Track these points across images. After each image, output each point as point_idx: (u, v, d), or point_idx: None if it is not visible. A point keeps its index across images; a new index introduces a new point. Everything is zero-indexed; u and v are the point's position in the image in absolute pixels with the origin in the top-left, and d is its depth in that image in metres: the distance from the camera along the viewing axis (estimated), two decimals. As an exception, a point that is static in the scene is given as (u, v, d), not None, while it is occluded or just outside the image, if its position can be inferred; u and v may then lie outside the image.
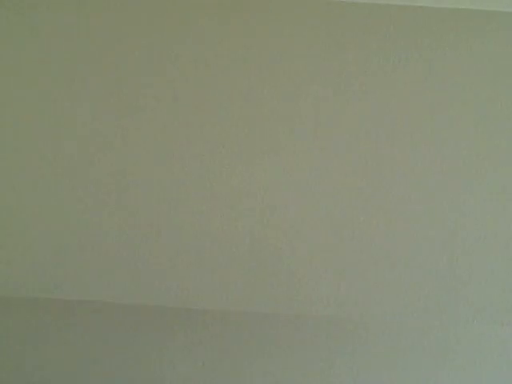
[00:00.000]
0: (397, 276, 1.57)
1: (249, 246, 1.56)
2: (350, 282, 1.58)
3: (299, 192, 1.55)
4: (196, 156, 1.55)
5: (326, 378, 1.67)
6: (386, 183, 1.54)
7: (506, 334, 1.62)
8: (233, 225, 1.56)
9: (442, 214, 1.55)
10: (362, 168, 1.54)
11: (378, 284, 1.57)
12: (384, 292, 1.58)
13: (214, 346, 1.66)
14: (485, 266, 1.56)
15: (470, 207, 1.54)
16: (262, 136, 1.54)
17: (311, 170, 1.54)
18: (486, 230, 1.55)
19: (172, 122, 1.54)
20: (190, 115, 1.54)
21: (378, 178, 1.54)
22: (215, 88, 1.53)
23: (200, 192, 1.56)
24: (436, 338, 1.63)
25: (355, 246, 1.56)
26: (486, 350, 1.63)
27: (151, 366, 1.68)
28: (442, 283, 1.57)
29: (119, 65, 1.53)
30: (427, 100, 1.52)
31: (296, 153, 1.54)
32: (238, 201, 1.56)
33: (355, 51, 1.51)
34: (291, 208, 1.56)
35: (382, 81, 1.51)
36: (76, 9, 1.51)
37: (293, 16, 1.50)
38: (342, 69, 1.51)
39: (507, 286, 1.57)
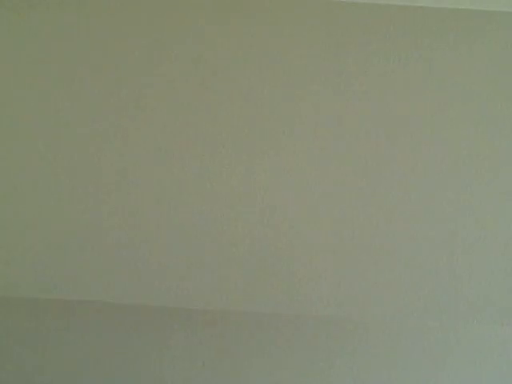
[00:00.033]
0: (397, 276, 1.57)
1: (249, 246, 1.56)
2: (349, 282, 1.58)
3: (299, 192, 1.55)
4: (196, 156, 1.55)
5: (326, 378, 1.67)
6: (386, 183, 1.54)
7: (506, 334, 1.62)
8: (233, 225, 1.56)
9: (442, 214, 1.55)
10: (361, 168, 1.54)
11: (378, 284, 1.57)
12: (384, 292, 1.58)
13: (213, 345, 1.66)
14: (485, 266, 1.56)
15: (470, 207, 1.54)
16: (262, 136, 1.54)
17: (311, 170, 1.54)
18: (486, 230, 1.55)
19: (172, 122, 1.54)
20: (189, 115, 1.54)
21: (377, 178, 1.54)
22: (215, 88, 1.53)
23: (200, 192, 1.56)
24: (436, 338, 1.63)
25: (355, 246, 1.56)
26: (486, 350, 1.64)
27: (151, 366, 1.68)
28: (442, 283, 1.57)
29: (119, 65, 1.53)
30: (427, 100, 1.52)
31: (296, 153, 1.54)
32: (237, 201, 1.56)
33: (355, 51, 1.51)
34: (291, 208, 1.56)
35: (382, 81, 1.51)
36: (76, 9, 1.51)
37: (293, 16, 1.50)
38: (342, 69, 1.51)
39: (507, 285, 1.57)
